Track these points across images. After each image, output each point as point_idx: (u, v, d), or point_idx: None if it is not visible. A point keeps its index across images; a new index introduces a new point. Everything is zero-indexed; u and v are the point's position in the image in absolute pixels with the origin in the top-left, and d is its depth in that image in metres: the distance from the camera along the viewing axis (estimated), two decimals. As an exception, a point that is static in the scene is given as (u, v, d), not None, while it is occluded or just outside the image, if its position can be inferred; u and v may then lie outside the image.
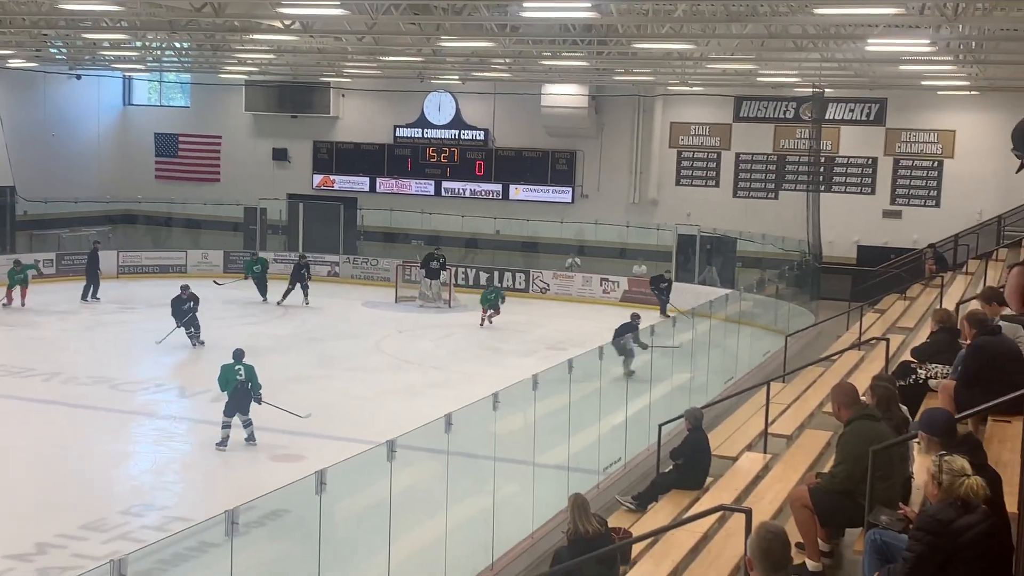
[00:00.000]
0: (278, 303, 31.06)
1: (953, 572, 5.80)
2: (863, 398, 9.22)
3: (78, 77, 37.30)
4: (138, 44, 27.78)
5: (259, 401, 18.09)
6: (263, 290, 31.23)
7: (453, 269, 33.31)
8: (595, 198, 35.69)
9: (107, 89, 39.87)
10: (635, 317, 23.29)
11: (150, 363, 24.84)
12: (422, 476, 13.42)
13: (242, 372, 17.90)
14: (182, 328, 24.98)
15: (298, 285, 31.21)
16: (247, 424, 17.83)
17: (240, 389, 17.76)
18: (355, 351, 26.12)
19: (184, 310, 25.06)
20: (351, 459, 11.28)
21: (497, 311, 28.43)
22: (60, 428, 19.21)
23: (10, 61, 33.07)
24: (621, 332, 22.05)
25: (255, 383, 17.96)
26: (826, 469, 9.12)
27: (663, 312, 29.02)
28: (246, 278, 31.59)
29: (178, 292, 25.31)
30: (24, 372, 22.63)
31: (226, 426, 17.70)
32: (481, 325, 28.32)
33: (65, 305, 30.19)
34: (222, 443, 17.64)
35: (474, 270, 35.07)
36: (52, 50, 29.90)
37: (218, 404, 20.74)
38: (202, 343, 25.12)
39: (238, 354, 18.29)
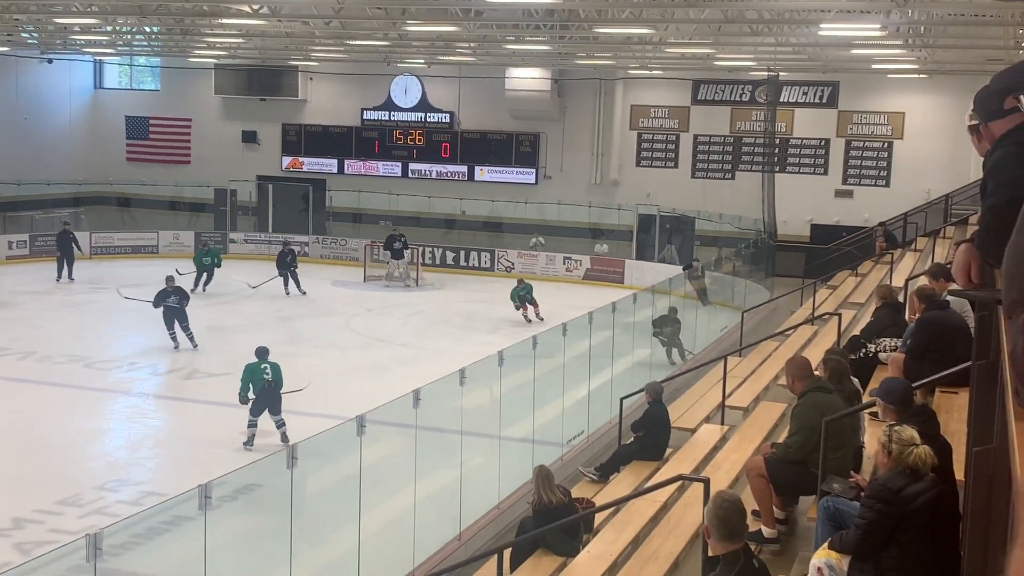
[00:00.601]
0: (253, 286, 30.05)
1: (903, 538, 5.89)
2: (816, 371, 9.42)
3: (49, 61, 37.13)
4: (108, 28, 27.72)
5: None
6: (202, 280, 29.43)
7: (420, 249, 33.47)
8: (558, 179, 36.00)
9: (78, 73, 39.78)
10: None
11: (123, 342, 24.89)
12: (391, 450, 13.50)
13: (269, 372, 16.85)
14: (177, 328, 23.06)
15: (287, 274, 30.04)
16: (280, 424, 16.77)
17: (268, 389, 16.74)
18: (324, 329, 26.12)
19: (169, 305, 23.04)
20: (321, 434, 11.42)
21: (536, 304, 27.04)
22: (35, 406, 19.23)
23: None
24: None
25: (280, 382, 16.93)
26: (781, 440, 9.26)
27: (704, 302, 26.43)
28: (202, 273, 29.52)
29: (163, 285, 23.43)
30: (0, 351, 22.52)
31: (252, 425, 16.73)
32: (529, 321, 26.45)
33: (39, 285, 30.11)
34: (248, 442, 16.59)
35: (440, 250, 35.27)
36: (24, 34, 29.86)
37: (191, 383, 21.16)
38: (195, 346, 23.17)
39: (262, 352, 17.25)
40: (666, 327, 22.02)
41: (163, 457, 17.24)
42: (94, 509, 14.05)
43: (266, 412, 16.77)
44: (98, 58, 39.78)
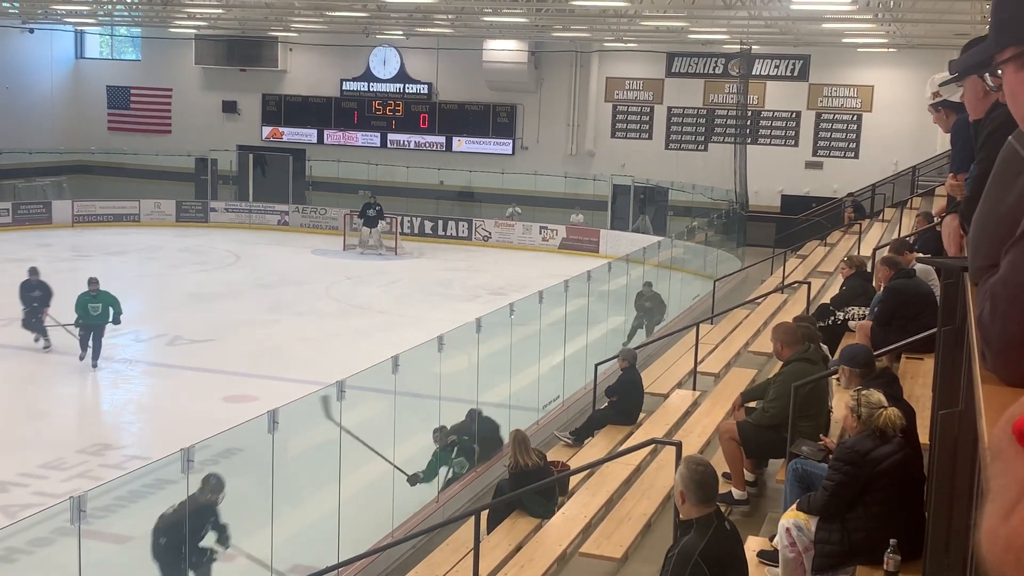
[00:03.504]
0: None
1: (870, 499, 6.00)
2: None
3: (31, 31, 37.01)
4: None
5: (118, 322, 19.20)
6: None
7: (399, 218, 33.67)
8: (534, 150, 36.15)
9: (59, 43, 39.58)
10: None
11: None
12: (370, 414, 13.51)
13: (99, 306, 19.09)
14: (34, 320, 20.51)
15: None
16: (96, 355, 18.99)
17: (94, 318, 18.95)
18: (304, 296, 26.19)
19: (31, 298, 20.55)
20: (301, 399, 11.55)
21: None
22: (18, 372, 19.31)
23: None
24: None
25: (106, 315, 19.19)
26: (752, 405, 9.30)
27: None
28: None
29: (27, 276, 21.01)
30: None
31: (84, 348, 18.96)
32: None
33: (21, 253, 29.66)
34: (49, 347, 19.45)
35: (419, 219, 35.45)
36: (4, 4, 29.77)
37: (173, 349, 21.11)
38: (47, 346, 20.32)
39: (92, 282, 19.54)
40: (647, 303, 22.14)
41: (145, 422, 17.44)
42: (78, 473, 14.13)
43: None
44: (79, 28, 39.56)
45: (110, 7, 29.69)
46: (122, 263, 29.31)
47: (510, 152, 36.49)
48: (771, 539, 7.05)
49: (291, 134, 38.72)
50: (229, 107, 39.23)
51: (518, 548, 9.89)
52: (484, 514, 9.96)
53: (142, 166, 39.18)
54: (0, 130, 36.25)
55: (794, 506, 6.55)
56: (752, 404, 9.32)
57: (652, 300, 22.30)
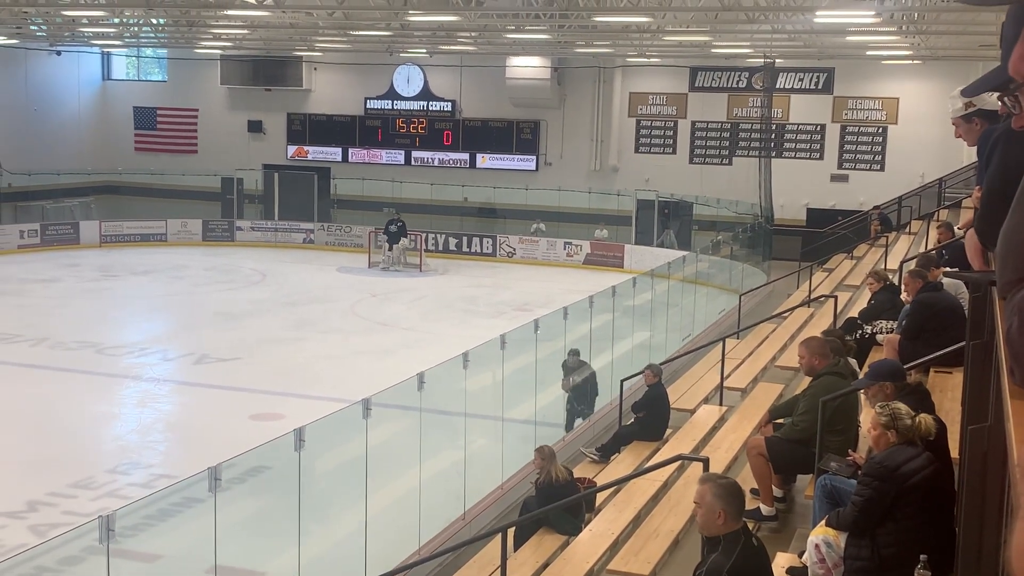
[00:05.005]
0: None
1: (900, 514, 5.92)
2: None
3: (58, 53, 37.39)
4: (116, 20, 27.86)
5: None
6: None
7: (424, 235, 33.69)
8: (558, 166, 36.15)
9: (87, 64, 39.98)
10: None
11: (134, 328, 25.20)
12: (396, 432, 13.62)
13: None
14: None
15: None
16: None
17: None
18: (330, 314, 26.34)
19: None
20: (328, 417, 11.52)
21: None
22: (48, 391, 19.32)
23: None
24: None
25: None
26: (780, 420, 9.24)
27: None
28: None
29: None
30: (11, 338, 22.70)
31: None
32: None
33: (49, 273, 30.35)
34: None
35: (443, 236, 35.47)
36: (32, 27, 29.94)
37: (201, 367, 21.28)
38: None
39: None
40: (574, 377, 17.47)
41: (173, 441, 17.44)
42: (107, 492, 14.19)
43: None
44: (106, 50, 39.89)
45: (136, 29, 29.82)
46: (150, 282, 29.57)
47: (534, 168, 36.52)
48: (800, 555, 7.00)
49: (316, 153, 38.88)
50: (254, 126, 39.47)
51: (545, 565, 9.86)
52: (511, 531, 9.91)
53: (169, 186, 39.44)
54: (29, 152, 36.59)
55: (823, 522, 6.49)
56: (780, 420, 9.25)
57: (581, 373, 17.62)
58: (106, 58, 41.02)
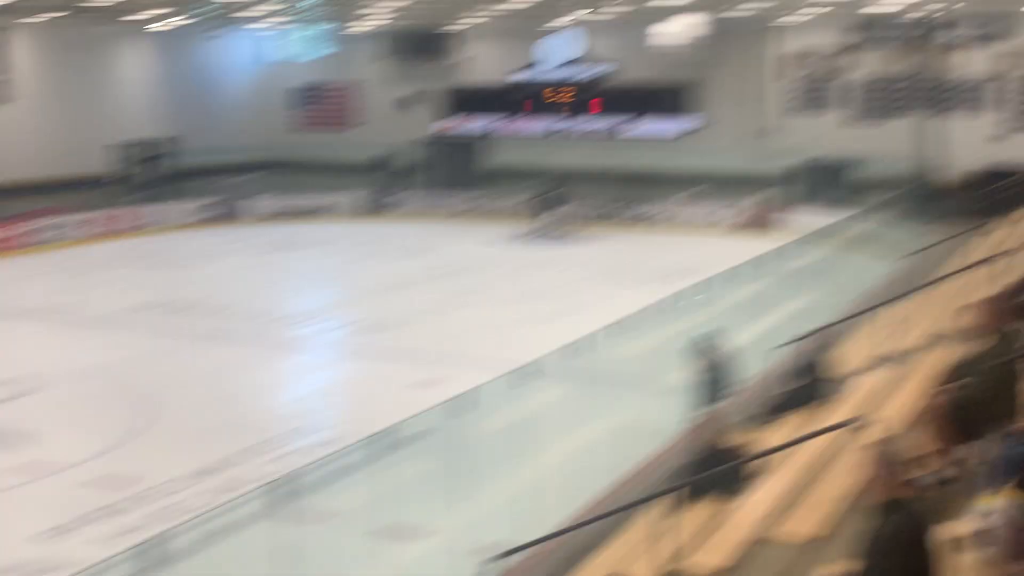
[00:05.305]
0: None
1: None
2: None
3: (223, 35, 38.44)
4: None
5: None
6: None
7: (578, 203, 33.66)
8: (715, 128, 35.43)
9: (249, 44, 41.09)
10: None
11: (306, 298, 26.01)
12: (552, 398, 13.73)
13: None
14: None
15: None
16: None
17: None
18: (486, 283, 26.67)
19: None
20: (491, 382, 11.85)
21: None
22: (218, 360, 19.96)
23: (163, 22, 34.38)
24: None
25: None
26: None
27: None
28: None
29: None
30: (188, 309, 23.63)
31: None
32: None
33: (217, 248, 31.60)
34: None
35: (598, 203, 35.36)
36: (199, 10, 31.02)
37: (370, 337, 21.54)
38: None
39: None
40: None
41: (341, 406, 17.84)
42: (282, 454, 14.48)
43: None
44: (264, 30, 40.92)
45: (296, 9, 30.47)
46: (314, 256, 30.38)
47: (690, 131, 35.90)
48: (978, 518, 6.82)
49: (469, 124, 39.03)
50: (409, 100, 39.86)
51: (706, 531, 9.80)
52: (670, 496, 9.79)
53: (329, 161, 40.22)
54: (193, 131, 37.81)
55: (1009, 485, 6.30)
56: (956, 383, 8.93)
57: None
58: (267, 38, 41.85)
